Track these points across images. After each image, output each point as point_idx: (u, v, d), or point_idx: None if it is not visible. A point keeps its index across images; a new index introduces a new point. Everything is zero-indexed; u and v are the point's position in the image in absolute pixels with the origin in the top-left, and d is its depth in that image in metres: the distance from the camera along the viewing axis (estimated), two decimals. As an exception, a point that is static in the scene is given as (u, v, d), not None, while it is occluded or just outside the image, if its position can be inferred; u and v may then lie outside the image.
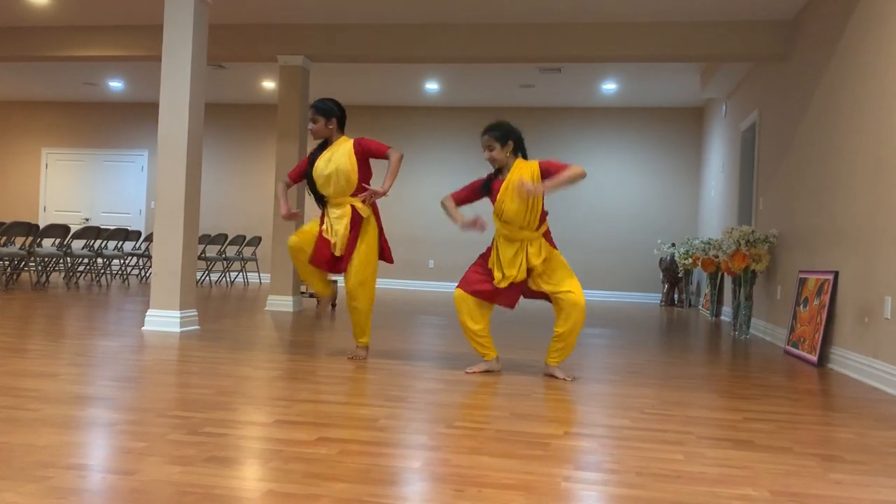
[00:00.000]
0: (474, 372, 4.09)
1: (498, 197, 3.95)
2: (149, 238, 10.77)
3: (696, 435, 2.85)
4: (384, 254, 4.42)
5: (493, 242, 4.09)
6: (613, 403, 3.41)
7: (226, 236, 11.34)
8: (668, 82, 9.96)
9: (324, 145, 4.35)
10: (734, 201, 8.60)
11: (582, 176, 3.78)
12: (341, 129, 4.38)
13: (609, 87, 10.34)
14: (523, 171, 3.92)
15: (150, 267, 8.20)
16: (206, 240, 10.97)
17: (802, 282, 5.78)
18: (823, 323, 5.10)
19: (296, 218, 4.31)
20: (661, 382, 4.04)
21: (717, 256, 7.47)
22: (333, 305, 7.59)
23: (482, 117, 12.17)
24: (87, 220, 13.23)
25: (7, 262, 9.22)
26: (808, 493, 2.20)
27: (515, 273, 3.94)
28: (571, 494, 2.08)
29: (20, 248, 8.77)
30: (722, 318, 8.81)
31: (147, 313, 5.50)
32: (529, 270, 3.99)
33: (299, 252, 4.28)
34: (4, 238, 8.87)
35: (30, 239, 8.94)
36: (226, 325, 5.93)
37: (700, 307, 10.16)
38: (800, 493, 2.19)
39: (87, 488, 1.97)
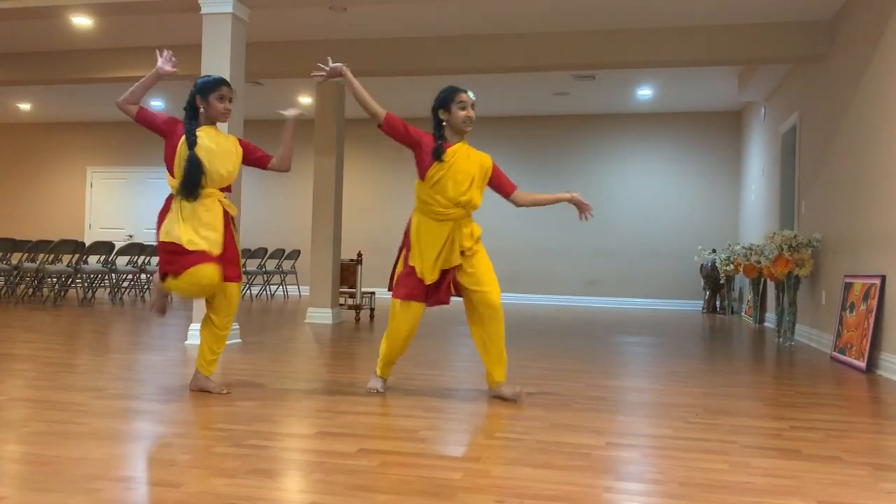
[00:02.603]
0: (374, 391, 3.68)
1: (446, 166, 3.49)
2: (190, 253, 10.94)
3: (740, 444, 2.81)
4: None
5: (408, 226, 3.63)
6: (655, 412, 3.37)
7: (266, 250, 11.48)
8: (705, 86, 9.85)
9: (194, 126, 3.54)
10: (776, 205, 8.46)
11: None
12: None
13: (644, 92, 10.26)
14: (483, 160, 3.61)
15: (193, 282, 8.33)
16: (247, 254, 11.13)
17: (848, 286, 5.65)
18: (871, 328, 4.98)
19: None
20: (705, 391, 3.98)
21: (759, 262, 7.35)
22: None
23: (516, 126, 12.17)
24: (131, 236, 13.50)
25: (55, 279, 9.46)
26: (858, 503, 2.14)
27: (446, 259, 3.50)
28: (614, 505, 2.06)
29: (67, 266, 8.99)
30: (766, 324, 8.65)
31: (190, 327, 5.59)
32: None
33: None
34: (52, 256, 9.11)
35: (76, 256, 9.17)
36: (267, 338, 5.99)
37: (743, 314, 10.00)
38: (849, 503, 2.14)
39: (135, 500, 2.00)
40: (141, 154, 13.57)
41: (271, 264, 13.04)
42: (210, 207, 3.49)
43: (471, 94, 3.60)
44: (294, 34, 7.46)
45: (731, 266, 9.11)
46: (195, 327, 5.55)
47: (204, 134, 3.51)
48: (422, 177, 3.58)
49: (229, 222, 3.57)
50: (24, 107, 12.39)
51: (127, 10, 6.11)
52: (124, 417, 3.01)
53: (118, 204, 13.64)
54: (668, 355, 5.49)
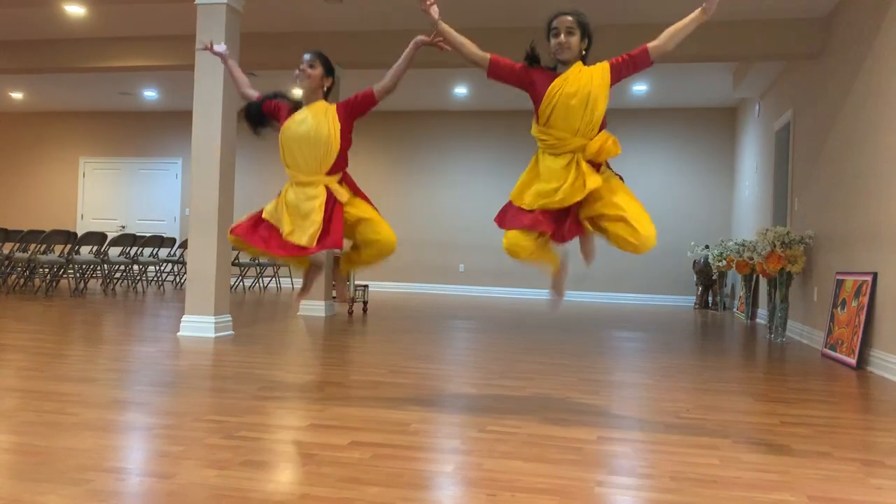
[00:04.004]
0: None
1: (547, 95, 3.18)
2: (183, 245, 10.93)
3: (731, 439, 2.82)
4: None
5: (532, 161, 3.33)
6: (647, 407, 3.38)
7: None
8: (700, 82, 9.86)
9: (296, 106, 3.59)
10: (769, 202, 8.48)
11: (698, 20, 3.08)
12: (326, 97, 3.63)
13: (640, 87, 10.26)
14: (594, 73, 3.21)
15: (185, 273, 8.31)
16: (240, 246, 11.09)
17: (840, 283, 5.67)
18: (862, 325, 5.00)
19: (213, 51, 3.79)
20: (696, 386, 3.99)
21: (751, 258, 7.37)
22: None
23: (511, 121, 12.16)
24: (124, 227, 13.46)
25: (47, 270, 9.42)
26: (848, 498, 2.16)
27: (564, 189, 3.10)
28: (605, 499, 2.07)
29: (59, 256, 8.95)
30: (757, 320, 8.69)
31: (182, 319, 5.58)
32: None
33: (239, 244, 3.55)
34: (44, 246, 9.07)
35: (68, 247, 9.13)
36: (259, 330, 5.99)
37: (735, 310, 10.03)
38: (839, 498, 2.15)
39: (126, 491, 2.00)
40: (133, 144, 13.51)
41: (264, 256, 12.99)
42: (310, 196, 3.48)
43: (568, 18, 3.21)
44: (289, 25, 7.43)
45: (724, 262, 9.13)
46: (188, 318, 5.53)
47: (296, 115, 3.53)
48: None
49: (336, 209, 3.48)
50: (17, 96, 12.32)
51: (121, -1, 6.08)
52: (116, 408, 3.00)
53: (111, 194, 13.58)
54: (659, 351, 5.51)
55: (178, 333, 5.53)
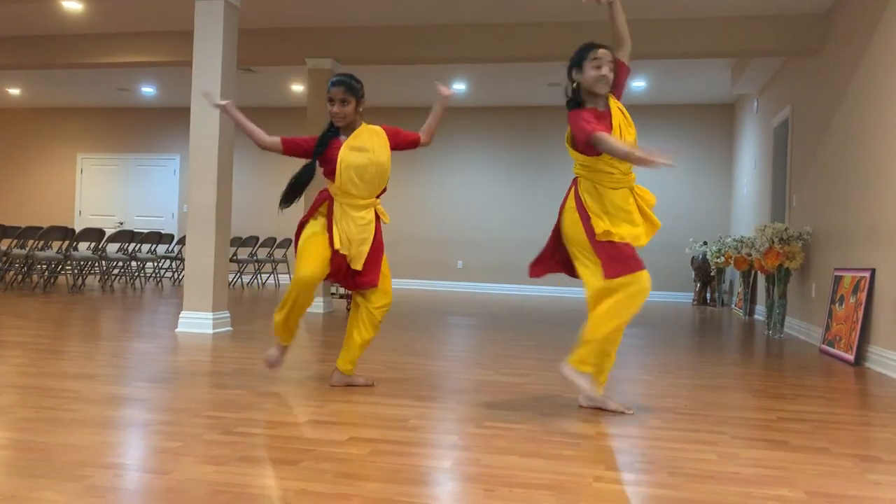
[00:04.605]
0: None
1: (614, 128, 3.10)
2: (181, 241, 10.92)
3: (729, 435, 2.82)
4: None
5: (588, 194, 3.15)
6: (645, 403, 3.38)
7: (257, 238, 11.45)
8: (699, 79, 9.85)
9: (337, 130, 3.51)
10: (767, 198, 8.48)
11: None
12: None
13: (638, 84, 10.25)
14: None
15: (183, 269, 8.31)
16: (238, 242, 11.09)
17: (838, 279, 5.68)
18: (860, 321, 5.01)
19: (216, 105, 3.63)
20: (694, 382, 4.00)
21: (749, 254, 7.37)
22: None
23: (510, 117, 12.15)
24: (122, 223, 13.44)
25: (44, 266, 9.41)
26: (846, 494, 2.16)
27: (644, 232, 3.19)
28: (603, 494, 2.07)
29: (57, 252, 8.94)
30: (755, 317, 8.69)
31: (180, 315, 5.57)
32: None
33: (312, 287, 3.41)
34: (42, 242, 9.06)
35: (66, 243, 9.12)
36: (258, 327, 5.99)
37: (733, 306, 10.04)
38: (836, 494, 2.16)
39: (124, 487, 2.00)
40: (131, 140, 13.49)
41: (262, 253, 13.00)
42: (367, 220, 3.50)
43: (609, 52, 3.14)
44: (286, 21, 7.41)
45: (722, 258, 9.14)
46: (186, 315, 5.53)
47: (351, 142, 3.46)
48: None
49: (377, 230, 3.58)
50: (14, 91, 12.29)
51: (118, -6, 6.06)
52: (114, 404, 3.00)
53: (108, 191, 13.56)
54: (658, 347, 5.51)
55: (176, 330, 5.53)
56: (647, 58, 7.08)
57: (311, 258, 3.39)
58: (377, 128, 3.54)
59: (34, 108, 13.78)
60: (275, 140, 3.51)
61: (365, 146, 3.44)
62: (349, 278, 3.50)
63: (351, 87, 3.43)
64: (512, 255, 12.04)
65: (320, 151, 3.46)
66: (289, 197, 3.53)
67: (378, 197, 3.56)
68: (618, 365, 4.51)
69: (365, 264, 3.47)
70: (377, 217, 3.55)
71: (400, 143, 3.57)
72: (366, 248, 3.46)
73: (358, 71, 10.12)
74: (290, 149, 3.51)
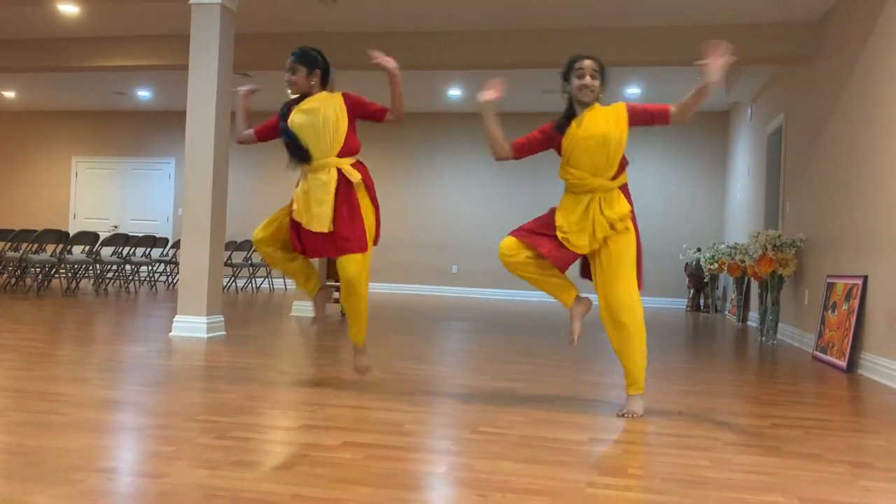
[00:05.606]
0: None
1: (566, 137, 3.40)
2: (176, 245, 10.90)
3: (722, 441, 2.83)
4: (375, 236, 3.62)
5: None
6: (638, 409, 3.38)
7: (251, 242, 11.43)
8: (693, 86, 9.86)
9: (298, 99, 3.62)
10: (760, 205, 8.51)
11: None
12: (324, 85, 3.65)
13: (633, 91, 10.29)
14: (609, 113, 3.36)
15: (178, 273, 8.30)
16: (233, 246, 11.08)
17: (830, 286, 5.70)
18: (853, 328, 5.03)
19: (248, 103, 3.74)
20: (687, 388, 4.01)
21: (743, 261, 7.40)
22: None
23: (506, 123, 12.13)
24: (116, 227, 13.42)
25: (38, 269, 9.38)
26: (838, 500, 2.17)
27: (574, 233, 3.31)
28: (596, 500, 2.07)
29: (51, 255, 8.92)
30: (749, 323, 8.72)
31: (174, 319, 5.56)
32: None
33: (267, 247, 3.60)
34: (36, 245, 9.03)
35: (60, 246, 9.09)
36: (252, 331, 5.98)
37: (726, 312, 10.06)
38: (829, 500, 2.17)
39: (117, 491, 2.00)
40: (127, 144, 13.47)
41: (257, 257, 12.99)
42: (323, 181, 3.49)
43: (593, 62, 3.32)
44: (283, 26, 7.42)
45: (716, 265, 9.17)
46: (180, 319, 5.52)
47: (300, 105, 3.55)
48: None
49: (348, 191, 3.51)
50: (9, 94, 12.27)
51: (114, -2, 6.06)
52: (107, 408, 2.99)
53: (103, 194, 13.53)
54: (651, 353, 5.52)
55: (171, 334, 5.52)
56: (641, 65, 7.10)
57: (266, 221, 3.62)
58: (335, 94, 3.59)
59: (29, 110, 13.76)
60: (249, 133, 3.70)
61: (312, 107, 3.51)
62: (327, 245, 3.48)
63: (301, 57, 3.58)
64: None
65: (283, 119, 3.56)
66: (297, 153, 3.52)
67: (348, 157, 3.53)
68: (612, 371, 4.52)
69: (337, 225, 3.44)
70: (353, 181, 3.49)
71: (364, 113, 3.60)
72: (324, 210, 3.43)
73: (354, 77, 10.15)
74: (262, 133, 3.67)
